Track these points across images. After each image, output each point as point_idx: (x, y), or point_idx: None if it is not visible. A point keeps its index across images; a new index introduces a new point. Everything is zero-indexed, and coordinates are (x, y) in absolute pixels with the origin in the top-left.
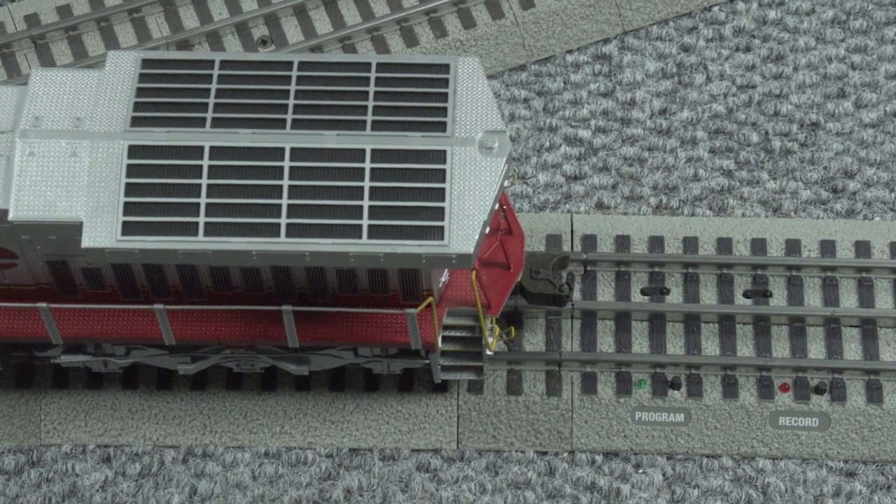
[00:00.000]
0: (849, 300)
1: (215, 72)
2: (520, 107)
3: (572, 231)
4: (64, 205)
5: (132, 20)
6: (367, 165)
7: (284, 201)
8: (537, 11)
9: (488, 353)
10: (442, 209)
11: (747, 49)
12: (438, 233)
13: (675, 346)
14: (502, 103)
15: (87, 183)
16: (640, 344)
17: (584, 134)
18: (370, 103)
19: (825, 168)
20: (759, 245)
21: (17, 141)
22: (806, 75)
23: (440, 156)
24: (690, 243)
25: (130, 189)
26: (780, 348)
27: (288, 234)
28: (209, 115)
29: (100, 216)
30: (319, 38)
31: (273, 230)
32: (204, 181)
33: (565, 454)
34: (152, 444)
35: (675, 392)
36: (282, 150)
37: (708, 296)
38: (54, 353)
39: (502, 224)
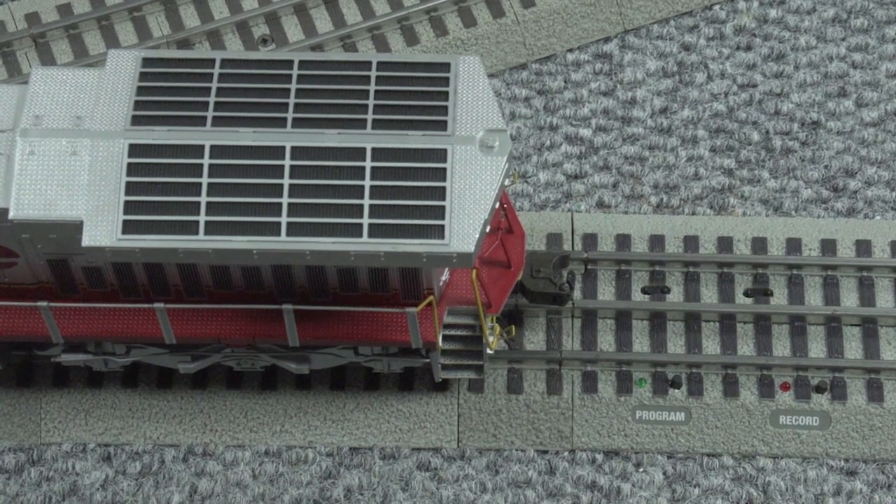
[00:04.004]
0: (849, 299)
1: (216, 70)
2: (520, 105)
3: (573, 230)
4: (64, 203)
5: (133, 19)
6: (368, 164)
7: (285, 200)
8: (538, 10)
9: (489, 351)
10: (442, 208)
11: (748, 48)
12: (439, 231)
13: (675, 344)
14: (503, 102)
15: (88, 182)
16: (641, 343)
17: (585, 132)
18: (371, 102)
19: (826, 167)
20: (759, 244)
21: (18, 140)
22: (807, 74)
23: (441, 154)
24: (691, 242)
25: (131, 188)
26: (781, 347)
27: (289, 233)
28: (210, 113)
29: (100, 215)
30: (320, 37)
31: (274, 229)
32: (204, 180)
33: (566, 453)
34: (153, 443)
35: (676, 391)
36: (282, 148)
37: (709, 295)
38: (55, 352)
39: (503, 223)
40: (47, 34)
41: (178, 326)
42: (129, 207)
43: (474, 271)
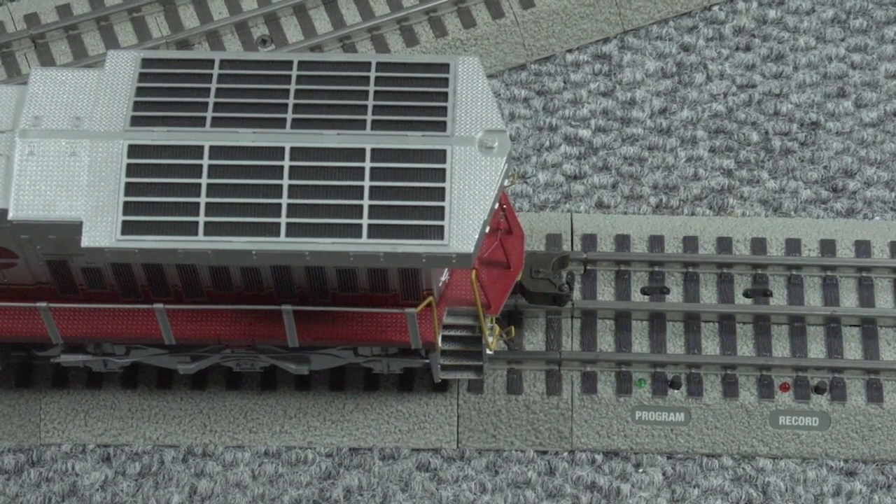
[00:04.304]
0: (849, 299)
1: (215, 71)
2: (520, 106)
3: (572, 230)
4: (64, 204)
5: (132, 20)
6: (367, 165)
7: (284, 201)
8: (537, 11)
9: (488, 352)
10: (442, 208)
11: (747, 48)
12: (438, 232)
13: (675, 345)
14: (502, 102)
15: (87, 182)
16: (640, 343)
17: (584, 133)
18: (370, 103)
19: (825, 167)
20: (759, 244)
21: (17, 140)
22: (806, 74)
23: (440, 155)
24: (690, 243)
25: (130, 188)
26: (781, 348)
27: (288, 234)
28: (209, 114)
29: (100, 216)
30: (319, 38)
31: (273, 229)
32: (204, 180)
33: (565, 453)
34: (152, 444)
35: (676, 391)
36: (282, 149)
37: (708, 295)
38: (54, 353)
39: (502, 223)
40: (46, 35)
41: (178, 327)
42: (129, 208)
43: (474, 272)
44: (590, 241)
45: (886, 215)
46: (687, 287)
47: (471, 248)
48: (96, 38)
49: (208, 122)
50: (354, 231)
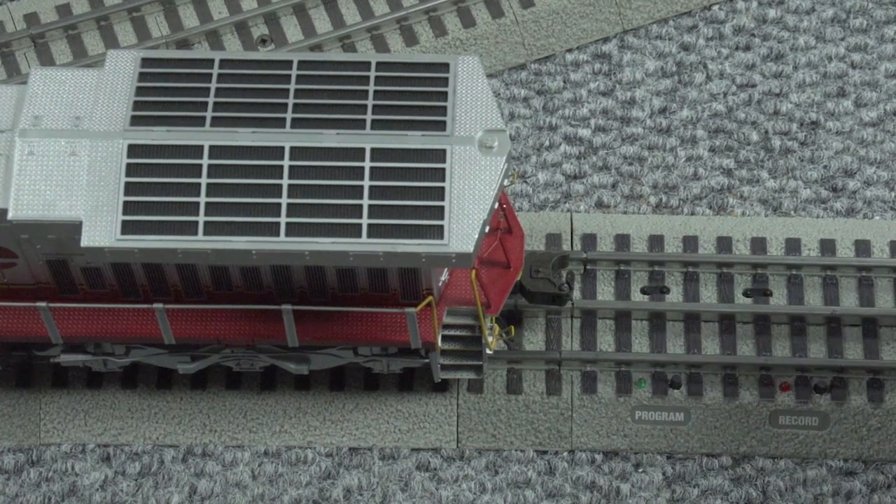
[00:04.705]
0: (849, 299)
1: (215, 71)
2: (519, 105)
3: (572, 230)
4: (63, 204)
5: (132, 19)
6: (367, 164)
7: (284, 200)
8: (537, 10)
9: (488, 352)
10: (442, 208)
11: (747, 48)
12: (438, 232)
13: (675, 345)
14: (502, 102)
15: (87, 182)
16: (640, 343)
17: (584, 133)
18: (370, 102)
19: (825, 167)
20: (759, 244)
21: (17, 140)
22: (806, 74)
23: (440, 155)
24: (690, 242)
25: (130, 188)
26: (781, 347)
27: (288, 234)
28: (209, 114)
29: (99, 215)
30: (319, 38)
31: (273, 229)
32: (203, 180)
33: (565, 453)
34: (152, 444)
35: (675, 391)
36: (281, 149)
37: (708, 295)
38: (54, 353)
39: (502, 223)
40: (46, 34)
41: (178, 327)
42: (128, 208)
43: (473, 271)
44: (590, 240)
45: (886, 215)
46: (687, 287)
47: (470, 248)
48: (96, 38)
49: (208, 121)
50: (354, 231)
